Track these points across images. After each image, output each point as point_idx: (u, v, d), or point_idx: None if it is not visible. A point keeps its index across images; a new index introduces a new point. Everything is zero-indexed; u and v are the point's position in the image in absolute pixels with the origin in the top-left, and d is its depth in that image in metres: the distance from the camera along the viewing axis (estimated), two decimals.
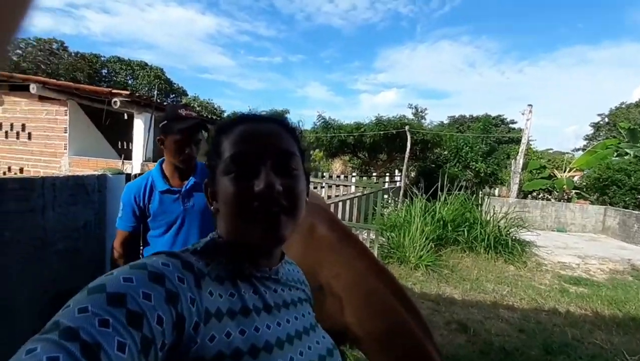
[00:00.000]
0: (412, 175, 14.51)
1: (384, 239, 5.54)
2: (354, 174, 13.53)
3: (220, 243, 0.53)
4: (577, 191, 12.05)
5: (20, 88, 5.42)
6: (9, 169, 5.74)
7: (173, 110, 1.45)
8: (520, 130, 12.24)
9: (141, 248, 1.73)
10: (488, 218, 6.31)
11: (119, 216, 1.46)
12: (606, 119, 28.34)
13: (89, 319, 0.33)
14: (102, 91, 5.93)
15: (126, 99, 5.90)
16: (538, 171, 13.20)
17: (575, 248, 7.35)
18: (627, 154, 11.63)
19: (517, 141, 12.51)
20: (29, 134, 5.65)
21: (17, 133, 5.68)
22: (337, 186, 7.12)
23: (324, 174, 7.82)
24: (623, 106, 28.08)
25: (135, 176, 2.16)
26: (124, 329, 0.34)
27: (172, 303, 0.39)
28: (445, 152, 14.58)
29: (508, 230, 6.16)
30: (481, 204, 6.84)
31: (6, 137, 5.74)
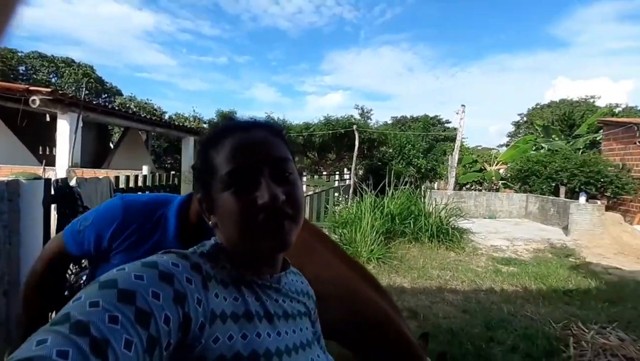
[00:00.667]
0: (361, 173, 14.98)
1: (336, 235, 5.62)
2: (304, 173, 13.56)
3: (223, 248, 0.53)
4: (503, 181, 13.46)
5: None
6: None
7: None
8: (455, 129, 13.26)
9: (72, 273, 1.40)
10: (430, 210, 6.73)
11: (75, 226, 0.95)
12: (524, 118, 31.92)
13: (99, 314, 0.33)
14: (17, 88, 5.16)
15: (48, 97, 5.15)
16: (470, 165, 14.52)
17: (504, 232, 8.15)
18: (542, 147, 13.26)
19: (452, 139, 13.55)
20: None
21: None
22: None
23: None
24: (538, 106, 31.89)
25: (58, 181, 1.83)
26: (132, 327, 0.34)
27: (179, 304, 0.40)
28: (391, 150, 15.29)
29: (448, 220, 6.64)
30: (424, 197, 7.28)
31: None
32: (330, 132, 13.46)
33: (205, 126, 22.31)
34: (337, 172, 15.55)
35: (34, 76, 22.06)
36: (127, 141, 10.00)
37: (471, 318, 3.34)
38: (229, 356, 0.44)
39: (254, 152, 0.52)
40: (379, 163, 14.78)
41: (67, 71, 23.84)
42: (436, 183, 15.87)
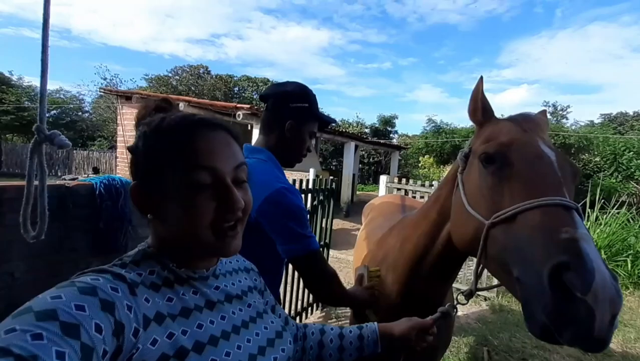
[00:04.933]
0: None
1: None
2: None
3: (151, 253, 0.53)
4: None
5: None
6: None
7: (310, 93, 1.14)
8: None
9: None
10: None
11: (309, 233, 0.98)
12: None
13: (19, 336, 0.32)
14: (229, 105, 7.18)
15: (247, 112, 6.92)
16: None
17: None
18: None
19: None
20: None
21: None
22: None
23: (434, 182, 7.18)
24: None
25: None
26: (61, 339, 0.33)
27: (108, 311, 0.39)
28: (597, 159, 11.70)
29: None
30: None
31: None
32: None
33: (366, 131, 23.42)
34: None
35: (243, 95, 28.69)
36: None
37: None
38: (171, 354, 0.44)
39: (226, 154, 0.52)
40: None
41: (264, 88, 29.87)
42: None
